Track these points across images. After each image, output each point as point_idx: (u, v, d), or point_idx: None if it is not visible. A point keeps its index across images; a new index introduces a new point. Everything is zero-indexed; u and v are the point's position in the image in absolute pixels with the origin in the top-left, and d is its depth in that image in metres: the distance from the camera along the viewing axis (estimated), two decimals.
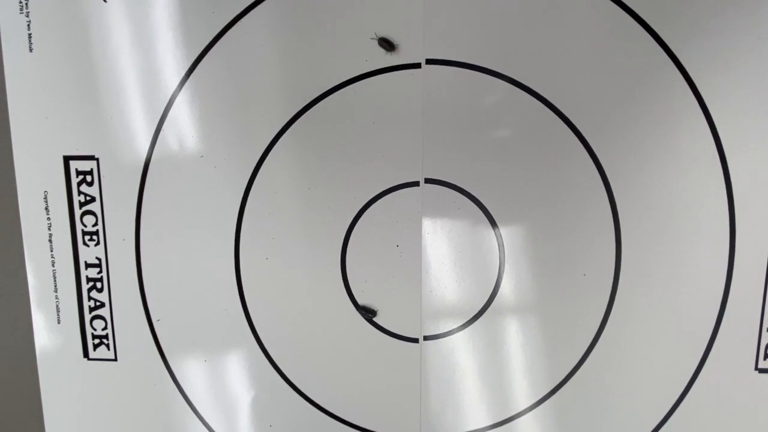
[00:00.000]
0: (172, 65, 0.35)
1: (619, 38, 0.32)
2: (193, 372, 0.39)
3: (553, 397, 0.37)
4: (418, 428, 0.37)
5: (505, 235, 0.35)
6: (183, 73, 0.35)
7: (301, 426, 0.38)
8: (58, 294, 0.39)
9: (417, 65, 0.34)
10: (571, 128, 0.34)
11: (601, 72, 0.33)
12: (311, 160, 0.36)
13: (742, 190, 0.33)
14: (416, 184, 0.35)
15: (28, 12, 0.36)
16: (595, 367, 0.36)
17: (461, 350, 0.37)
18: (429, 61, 0.34)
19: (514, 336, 0.36)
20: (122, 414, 0.39)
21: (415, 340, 0.37)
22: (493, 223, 0.35)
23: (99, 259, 0.38)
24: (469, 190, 0.35)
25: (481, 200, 0.35)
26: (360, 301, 0.37)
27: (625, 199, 0.34)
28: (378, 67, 0.34)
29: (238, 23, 0.35)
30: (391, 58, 0.34)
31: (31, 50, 0.36)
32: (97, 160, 0.37)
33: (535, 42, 0.33)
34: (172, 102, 0.36)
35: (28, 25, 0.36)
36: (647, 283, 0.35)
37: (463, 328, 0.36)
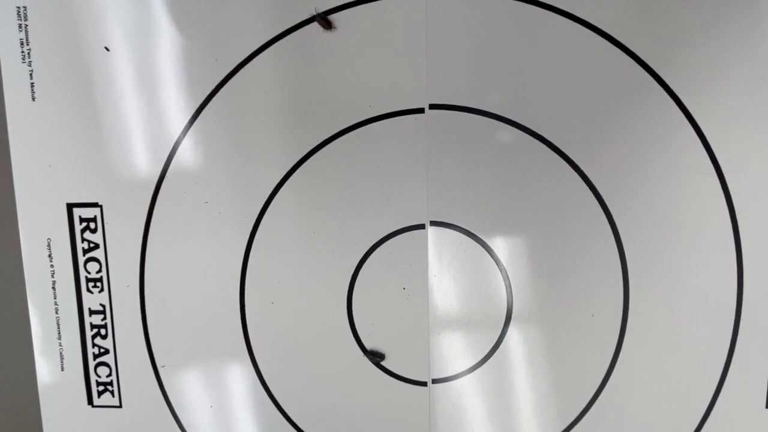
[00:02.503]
0: (175, 112, 0.35)
1: (622, 83, 0.33)
2: (199, 419, 0.38)
3: None
4: None
5: (512, 276, 0.35)
6: (186, 120, 0.35)
7: None
8: (62, 341, 0.38)
9: (421, 110, 0.34)
10: (574, 168, 0.34)
11: (603, 115, 0.33)
12: (315, 204, 0.36)
13: (747, 223, 0.33)
14: (422, 226, 0.35)
15: (30, 61, 0.36)
16: (604, 408, 0.36)
17: (470, 393, 0.36)
18: (432, 106, 0.34)
19: (524, 378, 0.36)
20: None
21: (424, 384, 0.36)
22: (500, 265, 0.35)
23: (103, 306, 0.38)
24: (474, 232, 0.35)
25: (486, 242, 0.35)
26: (367, 345, 0.36)
27: (631, 238, 0.34)
28: (381, 113, 0.34)
29: (241, 71, 0.35)
30: (394, 103, 0.34)
31: (33, 99, 0.36)
32: (101, 207, 0.37)
33: (538, 86, 0.33)
34: (176, 149, 0.36)
35: (31, 74, 0.36)
36: (655, 324, 0.35)
37: (472, 371, 0.36)
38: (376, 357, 0.36)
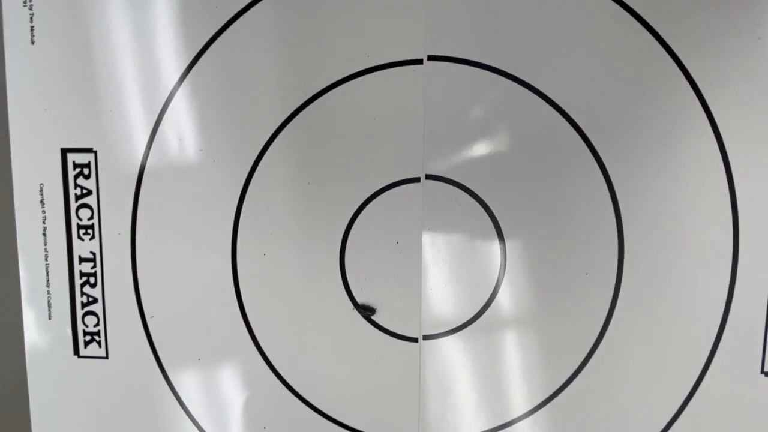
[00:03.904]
0: (173, 59, 0.35)
1: (622, 39, 0.33)
2: (185, 371, 0.38)
3: (555, 400, 0.36)
4: (417, 430, 0.36)
5: (507, 231, 0.35)
6: (184, 67, 0.35)
7: (296, 428, 0.37)
8: (50, 289, 0.38)
9: (419, 61, 0.34)
10: (573, 126, 0.34)
11: (603, 72, 0.33)
12: (311, 155, 0.35)
13: (744, 187, 0.33)
14: (417, 180, 0.35)
15: (31, 5, 0.36)
16: (596, 369, 0.35)
17: (462, 350, 0.36)
18: (431, 58, 0.34)
19: (516, 337, 0.35)
20: (111, 414, 0.38)
21: (415, 340, 0.36)
22: (494, 220, 0.35)
23: (93, 254, 0.37)
24: (470, 187, 0.35)
25: (482, 196, 0.35)
26: (359, 299, 0.36)
27: (628, 198, 0.34)
28: (380, 63, 0.34)
29: (241, 18, 0.35)
30: (392, 54, 0.34)
31: (33, 42, 0.36)
32: (95, 152, 0.37)
33: (539, 40, 0.33)
34: (172, 96, 0.36)
35: (31, 18, 0.36)
36: (650, 284, 0.34)
37: (464, 328, 0.36)
38: (366, 311, 0.36)
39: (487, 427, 0.36)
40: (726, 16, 0.32)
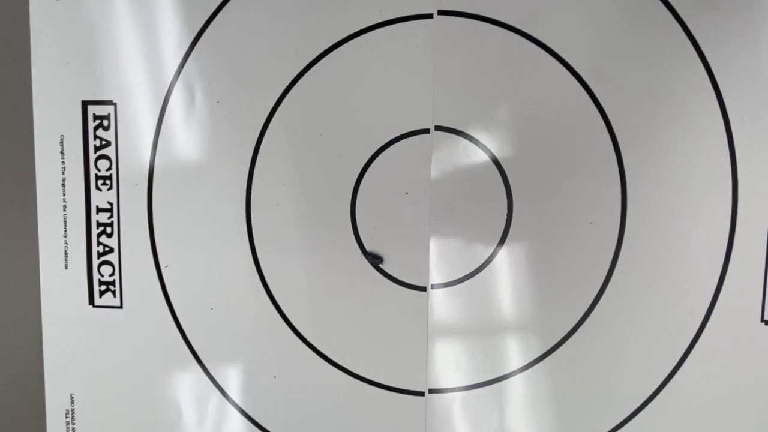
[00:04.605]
0: (193, 12, 0.37)
1: (642, 12, 0.34)
2: (198, 319, 0.38)
3: (561, 348, 0.36)
4: (425, 378, 0.37)
5: (513, 182, 0.36)
6: (204, 20, 0.37)
7: (305, 376, 0.38)
8: (68, 239, 0.39)
9: (429, 16, 0.35)
10: (579, 81, 0.35)
11: (614, 32, 0.34)
12: (323, 108, 0.37)
13: (743, 142, 0.34)
14: (426, 131, 0.36)
15: None
16: (599, 318, 0.36)
17: (469, 299, 0.37)
18: (441, 12, 0.35)
19: (522, 287, 0.36)
20: (124, 363, 0.39)
21: (423, 289, 0.37)
22: (501, 170, 0.36)
23: (111, 204, 0.38)
24: (478, 138, 0.36)
25: (489, 148, 0.36)
26: (368, 248, 0.37)
27: (631, 151, 0.35)
28: (391, 17, 0.36)
29: None
30: (403, 8, 0.35)
31: None
32: (115, 105, 0.38)
33: None
34: (190, 51, 0.37)
35: None
36: (652, 234, 0.35)
37: (471, 277, 0.37)
38: (375, 259, 0.37)
39: (495, 375, 0.37)
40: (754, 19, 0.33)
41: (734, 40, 0.34)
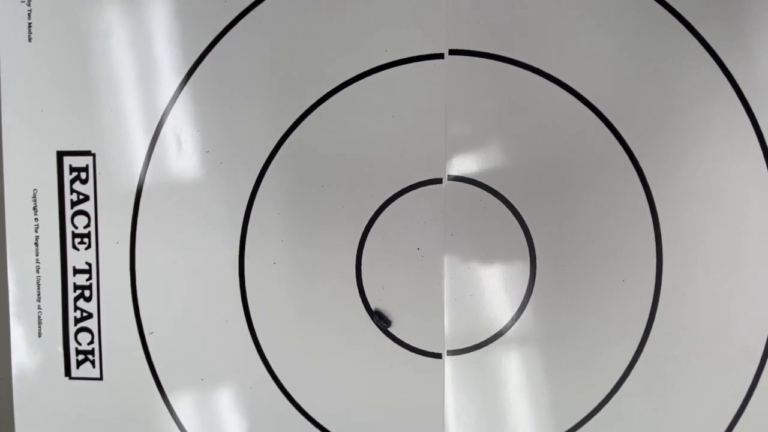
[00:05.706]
0: (177, 56, 0.34)
1: (650, 30, 0.31)
2: (187, 392, 0.34)
3: (589, 423, 0.33)
4: None
5: (536, 237, 0.32)
6: (189, 65, 0.33)
7: None
8: (41, 304, 0.35)
9: (440, 56, 0.32)
10: (603, 121, 0.32)
11: (632, 64, 0.31)
12: (324, 156, 0.33)
13: None
14: (439, 181, 0.33)
15: (29, 0, 0.34)
16: (637, 387, 0.32)
17: (490, 367, 0.33)
18: (452, 52, 0.32)
19: (547, 351, 0.33)
20: None
21: (438, 356, 0.33)
22: (522, 224, 0.32)
23: (89, 264, 0.35)
24: (496, 188, 0.32)
25: (508, 198, 0.32)
26: (376, 310, 0.33)
27: (663, 195, 0.32)
28: (398, 58, 0.32)
29: (252, 12, 0.33)
30: (412, 48, 0.32)
31: (30, 40, 0.34)
32: (94, 155, 0.34)
33: (563, 32, 0.31)
34: (177, 95, 0.34)
35: (29, 14, 0.34)
36: (691, 292, 0.32)
37: (492, 341, 0.33)
38: (383, 322, 0.33)
39: None
40: None
41: (764, 64, 0.31)
